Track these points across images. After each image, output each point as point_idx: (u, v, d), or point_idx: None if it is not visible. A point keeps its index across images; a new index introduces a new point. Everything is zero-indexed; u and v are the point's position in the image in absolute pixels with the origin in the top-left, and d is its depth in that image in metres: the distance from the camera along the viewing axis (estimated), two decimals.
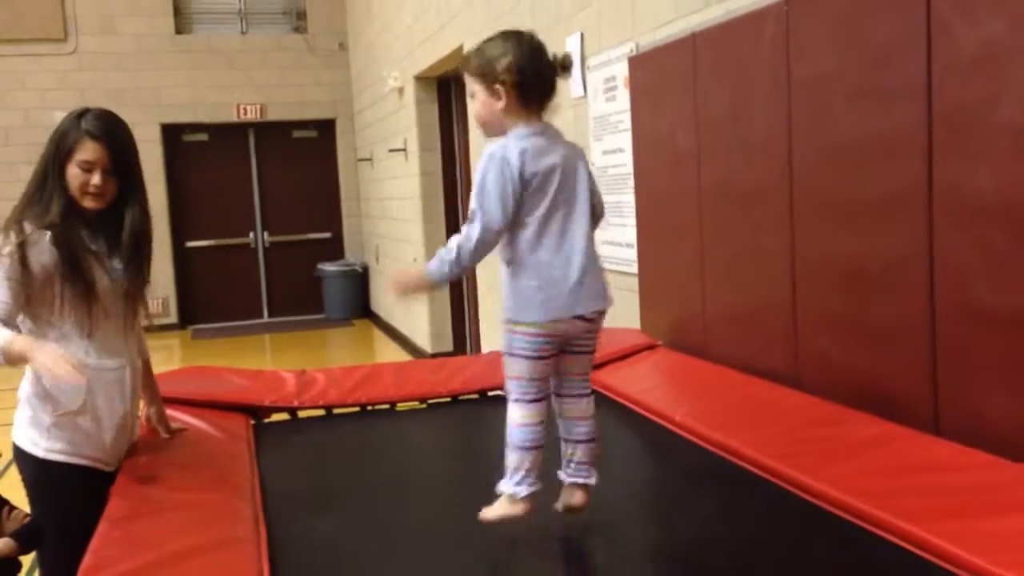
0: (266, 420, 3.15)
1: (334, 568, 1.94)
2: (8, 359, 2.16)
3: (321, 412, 3.22)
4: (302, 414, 3.20)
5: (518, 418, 1.97)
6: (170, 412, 2.74)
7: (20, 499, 2.35)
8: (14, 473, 2.29)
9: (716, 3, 3.30)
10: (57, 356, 2.08)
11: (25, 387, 2.36)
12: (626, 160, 3.98)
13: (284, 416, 3.19)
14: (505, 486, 1.98)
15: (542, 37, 2.03)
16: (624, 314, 4.12)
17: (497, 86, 1.94)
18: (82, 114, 2.36)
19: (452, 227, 7.97)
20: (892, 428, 2.32)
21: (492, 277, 6.28)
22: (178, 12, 10.87)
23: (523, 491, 1.96)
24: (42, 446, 2.32)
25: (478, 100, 1.99)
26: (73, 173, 2.32)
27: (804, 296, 2.77)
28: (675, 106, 3.45)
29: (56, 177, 2.33)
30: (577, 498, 2.05)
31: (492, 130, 2.00)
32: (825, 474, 2.10)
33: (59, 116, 2.46)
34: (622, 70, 3.96)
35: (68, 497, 2.29)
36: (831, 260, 2.64)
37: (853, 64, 2.48)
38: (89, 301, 2.31)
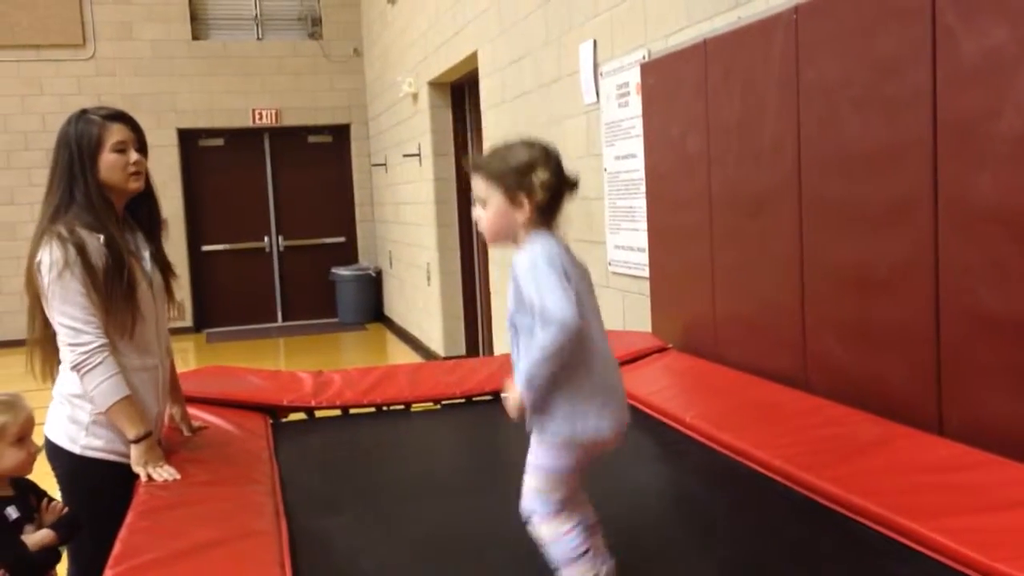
0: (284, 419, 3.21)
1: (352, 560, 1.99)
2: (111, 419, 2.31)
3: (337, 412, 3.27)
4: (319, 414, 3.25)
5: (560, 529, 1.76)
6: (191, 410, 2.80)
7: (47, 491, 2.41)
8: (37, 465, 2.34)
9: (727, 11, 3.35)
10: (167, 474, 2.29)
11: (63, 385, 2.40)
12: (638, 165, 4.03)
13: (301, 416, 3.25)
14: None
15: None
16: (635, 317, 4.17)
17: (521, 195, 1.76)
18: (84, 112, 2.42)
19: (465, 232, 8.02)
20: (897, 429, 2.36)
21: (502, 281, 6.33)
22: (195, 18, 10.97)
23: None
24: (80, 443, 2.37)
25: (492, 207, 1.79)
26: (110, 160, 2.36)
27: (812, 300, 2.81)
28: (686, 112, 3.50)
29: (87, 175, 2.35)
30: None
31: (501, 239, 1.83)
32: (832, 474, 2.15)
33: None
34: (634, 76, 4.01)
35: (103, 492, 2.33)
36: (838, 265, 2.68)
37: (860, 72, 2.53)
38: (132, 302, 2.36)
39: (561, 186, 1.79)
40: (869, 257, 2.54)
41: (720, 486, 2.36)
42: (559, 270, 1.70)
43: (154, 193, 2.56)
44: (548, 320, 1.65)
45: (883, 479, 2.08)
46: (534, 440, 1.78)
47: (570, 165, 1.83)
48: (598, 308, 1.85)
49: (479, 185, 1.81)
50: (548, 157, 1.79)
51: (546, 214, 1.79)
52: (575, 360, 1.71)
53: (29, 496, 2.28)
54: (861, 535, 1.93)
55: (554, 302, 1.65)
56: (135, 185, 2.43)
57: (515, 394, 1.74)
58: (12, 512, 2.21)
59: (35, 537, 2.18)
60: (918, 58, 2.31)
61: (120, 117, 2.42)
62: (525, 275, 1.71)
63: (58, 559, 2.28)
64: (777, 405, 2.75)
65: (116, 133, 2.38)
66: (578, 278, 1.77)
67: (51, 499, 2.30)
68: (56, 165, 2.38)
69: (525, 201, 1.76)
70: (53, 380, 2.45)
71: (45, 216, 2.36)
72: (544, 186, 1.76)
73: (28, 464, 2.26)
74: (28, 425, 2.25)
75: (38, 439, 2.43)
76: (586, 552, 1.75)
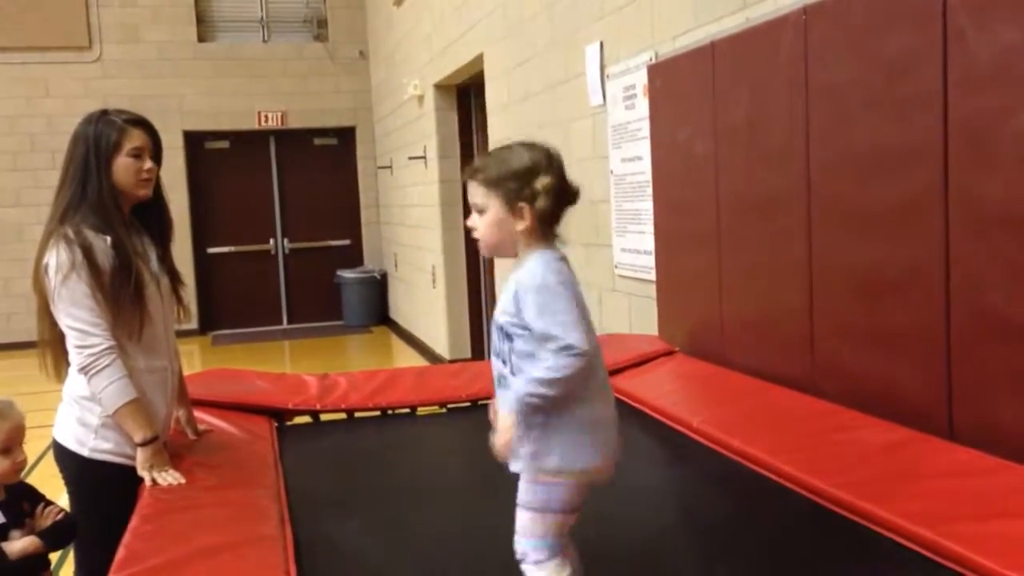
0: (289, 423, 3.20)
1: (358, 565, 1.98)
2: (119, 422, 2.29)
3: (343, 415, 3.26)
4: (324, 417, 3.24)
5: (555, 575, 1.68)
6: (196, 414, 2.79)
7: (50, 493, 2.40)
8: (44, 468, 2.33)
9: (735, 12, 3.33)
10: (172, 479, 2.29)
11: (72, 387, 2.40)
12: (645, 168, 4.02)
13: (307, 419, 3.24)
14: None
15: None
16: (642, 321, 4.15)
17: (522, 204, 1.66)
18: (105, 112, 2.43)
19: (470, 235, 7.99)
20: (907, 434, 2.35)
21: None
22: (201, 20, 10.99)
23: None
24: (88, 446, 2.36)
25: (490, 215, 1.69)
26: (124, 164, 2.38)
27: (821, 303, 2.80)
28: (694, 114, 3.48)
29: (101, 174, 2.35)
30: None
31: (498, 250, 1.74)
32: (842, 479, 2.13)
33: None
34: (641, 78, 4.00)
35: (111, 495, 2.32)
36: (848, 268, 2.66)
37: (870, 74, 2.51)
38: (140, 305, 2.35)
39: (564, 193, 1.68)
40: (879, 260, 2.52)
41: (728, 491, 2.34)
42: (571, 293, 1.63)
43: (164, 198, 2.57)
44: (562, 347, 1.57)
45: (893, 484, 2.06)
46: (525, 478, 1.70)
47: (576, 167, 1.79)
48: (591, 321, 1.73)
49: (476, 192, 1.71)
50: (551, 161, 1.69)
51: (548, 224, 1.69)
52: (580, 391, 1.65)
53: (21, 502, 2.25)
54: (871, 541, 1.91)
55: (570, 331, 1.58)
56: (143, 192, 2.44)
57: (505, 422, 1.64)
58: None
59: (17, 544, 2.15)
60: (929, 59, 2.29)
61: (141, 123, 2.44)
62: (531, 296, 1.62)
63: (45, 567, 2.25)
64: (786, 410, 2.73)
65: (135, 138, 2.40)
66: (581, 298, 1.68)
67: (48, 503, 2.28)
68: (71, 161, 2.39)
69: (526, 210, 1.66)
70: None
71: (55, 214, 2.37)
72: (547, 192, 1.65)
73: (12, 473, 2.23)
74: (14, 435, 2.22)
75: (45, 441, 2.42)
76: None
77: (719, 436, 2.63)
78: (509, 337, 1.67)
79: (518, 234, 1.68)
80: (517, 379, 1.65)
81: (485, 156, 1.76)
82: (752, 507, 2.21)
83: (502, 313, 1.69)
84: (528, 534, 1.69)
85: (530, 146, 1.71)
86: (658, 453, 2.81)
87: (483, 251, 1.78)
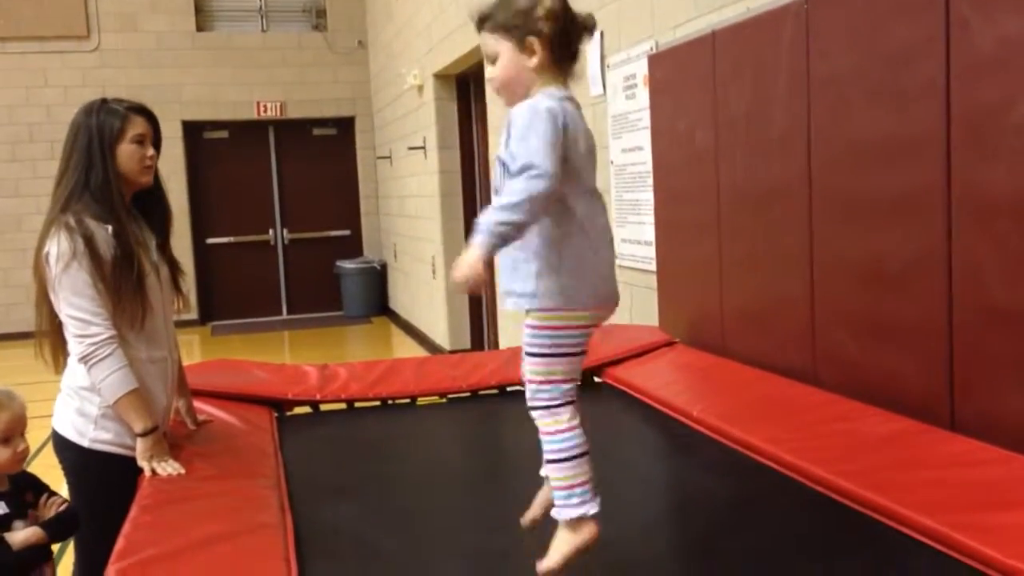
0: (289, 413, 3.20)
1: (358, 555, 1.98)
2: (119, 411, 2.29)
3: (343, 406, 3.26)
4: (324, 407, 3.24)
5: (564, 424, 1.71)
6: (196, 404, 2.79)
7: (50, 483, 2.40)
8: (44, 458, 2.32)
9: (736, 1, 3.32)
10: (172, 469, 2.29)
11: (72, 378, 2.39)
12: (645, 158, 4.01)
13: (307, 409, 3.23)
14: (568, 511, 1.71)
15: None
16: (642, 311, 4.15)
17: (531, 38, 1.70)
18: (105, 101, 2.43)
19: (470, 225, 8.00)
20: (909, 424, 2.34)
21: None
22: (199, 10, 10.96)
23: (594, 507, 1.72)
24: (88, 436, 2.36)
25: (504, 58, 1.73)
26: (128, 151, 2.38)
27: (822, 294, 2.79)
28: (694, 104, 3.47)
29: (106, 162, 2.35)
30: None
31: (516, 94, 1.74)
32: (842, 469, 2.13)
33: None
34: (641, 68, 3.99)
35: (111, 485, 2.32)
36: (849, 258, 2.66)
37: (872, 63, 2.50)
38: (141, 294, 2.35)
39: (572, 21, 1.72)
40: (881, 251, 2.52)
41: (728, 481, 2.34)
42: (557, 126, 1.63)
43: (163, 187, 2.57)
44: (524, 168, 1.58)
45: (894, 475, 2.06)
46: (529, 323, 1.72)
47: None
48: (595, 184, 1.77)
49: (487, 40, 1.75)
50: None
51: (562, 60, 1.72)
52: (571, 227, 1.67)
53: (25, 491, 2.25)
54: (873, 531, 1.91)
55: (535, 154, 1.59)
56: (145, 179, 2.45)
57: (470, 253, 1.60)
58: (0, 508, 2.18)
59: (20, 535, 2.15)
60: (931, 49, 2.28)
61: (142, 111, 2.45)
62: (517, 120, 1.64)
63: (47, 557, 2.24)
64: (786, 400, 2.73)
65: (138, 125, 2.41)
66: (585, 141, 1.71)
67: (52, 494, 2.28)
68: (72, 149, 2.39)
69: (536, 44, 1.70)
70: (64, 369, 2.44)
71: (57, 203, 2.36)
72: (550, 17, 1.69)
73: (13, 464, 2.23)
74: (14, 424, 2.21)
75: (45, 431, 2.41)
76: (584, 455, 1.71)
77: (720, 426, 2.63)
78: (507, 169, 1.67)
79: (530, 72, 1.72)
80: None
81: (492, 5, 1.77)
82: (753, 496, 2.21)
83: (500, 144, 1.72)
84: (538, 380, 1.72)
85: None
86: (658, 443, 2.81)
87: (502, 97, 1.79)
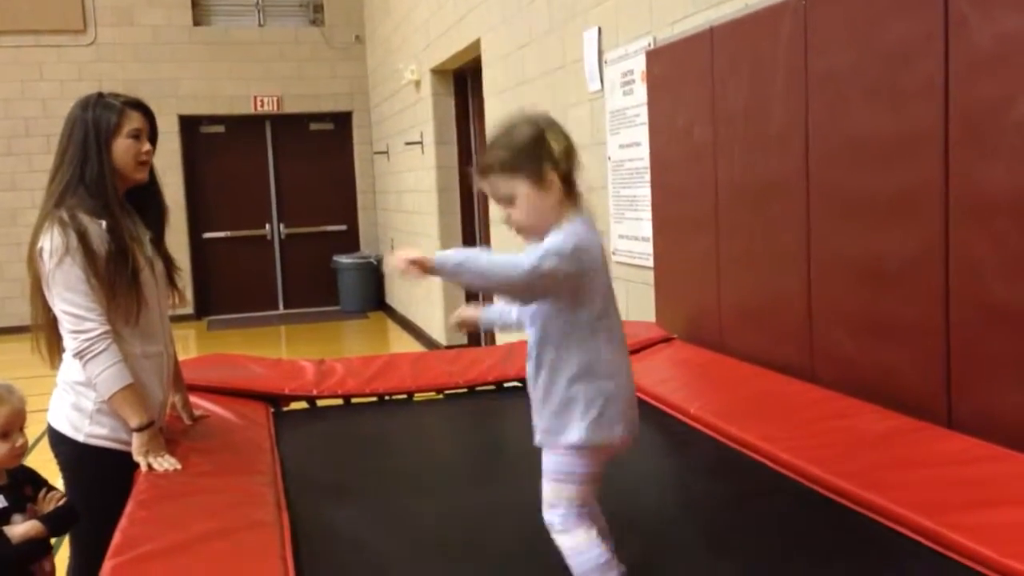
0: (285, 408, 3.19)
1: (354, 551, 1.98)
2: (115, 407, 2.29)
3: (340, 401, 3.25)
4: (321, 403, 3.24)
5: (583, 539, 1.67)
6: (192, 399, 2.78)
7: (47, 477, 2.39)
8: (41, 452, 2.32)
9: None
10: (168, 464, 2.28)
11: (67, 372, 2.39)
12: (643, 154, 4.00)
13: (303, 405, 3.23)
14: None
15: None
16: (639, 307, 4.15)
17: (546, 175, 1.63)
18: (101, 95, 2.42)
19: (467, 220, 7.99)
20: (906, 422, 2.34)
21: None
22: (196, 4, 10.93)
23: None
24: (84, 431, 2.36)
25: (522, 200, 1.64)
26: (124, 146, 2.37)
27: (819, 291, 2.79)
28: (692, 100, 3.47)
29: (101, 156, 2.34)
30: None
31: (539, 233, 1.66)
32: (839, 467, 2.13)
33: None
34: (639, 64, 3.98)
35: (106, 481, 2.32)
36: (847, 255, 2.65)
37: (870, 60, 2.50)
38: (136, 289, 2.34)
39: (574, 150, 1.68)
40: (878, 248, 2.51)
41: (725, 479, 2.34)
42: (584, 249, 1.61)
43: (158, 183, 2.56)
44: (540, 249, 1.56)
45: (891, 473, 2.06)
46: (550, 447, 1.70)
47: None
48: (619, 311, 1.77)
49: (498, 184, 1.66)
50: (552, 123, 1.68)
51: (572, 188, 1.67)
52: (595, 362, 1.64)
53: (24, 485, 2.25)
54: (869, 529, 1.90)
55: (544, 253, 1.56)
56: (140, 175, 2.44)
57: (428, 256, 1.57)
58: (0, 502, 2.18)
59: (19, 529, 2.14)
60: (930, 46, 2.28)
61: (138, 106, 2.44)
62: (554, 238, 1.60)
63: (46, 551, 2.24)
64: (783, 397, 2.73)
65: (134, 120, 2.40)
66: (603, 260, 1.69)
67: (50, 488, 2.27)
68: (68, 143, 2.38)
69: (553, 177, 1.63)
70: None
71: (51, 197, 2.35)
72: (564, 153, 1.64)
73: (12, 458, 2.22)
74: (13, 419, 2.21)
75: (41, 425, 2.41)
76: (609, 559, 1.68)
77: (717, 423, 2.63)
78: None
79: (554, 207, 1.65)
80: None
81: (490, 147, 1.70)
82: (749, 494, 2.21)
83: None
84: (553, 503, 1.69)
85: (526, 118, 1.70)
86: (656, 440, 2.80)
87: (525, 237, 1.71)
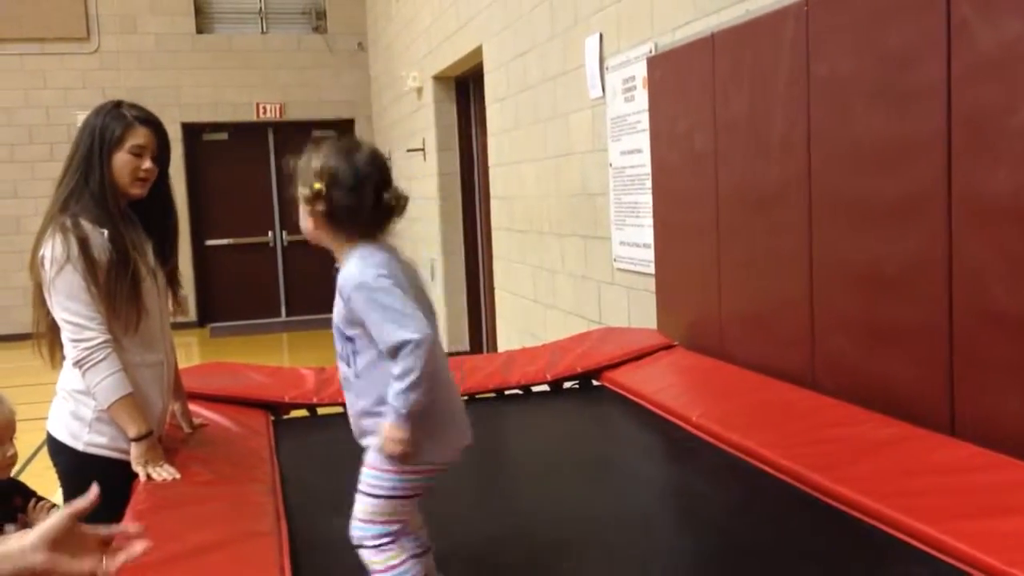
0: (285, 416, 3.18)
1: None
2: (113, 416, 2.27)
3: (340, 409, 3.23)
4: (321, 411, 3.22)
5: (392, 561, 1.69)
6: (192, 407, 2.77)
7: (44, 489, 2.38)
8: (41, 460, 2.31)
9: (735, 3, 3.30)
10: (167, 474, 2.27)
11: (66, 380, 2.38)
12: (644, 160, 3.99)
13: (303, 413, 3.22)
14: None
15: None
16: (640, 314, 4.13)
17: (307, 206, 1.78)
18: (118, 104, 2.41)
19: (469, 228, 7.98)
20: (908, 429, 2.33)
21: (506, 277, 6.30)
22: (199, 11, 10.96)
23: None
24: (83, 440, 2.35)
25: (301, 211, 1.79)
26: (123, 160, 2.36)
27: (821, 298, 2.78)
28: (693, 107, 3.46)
29: (102, 167, 2.34)
30: None
31: (319, 242, 1.82)
32: (841, 474, 2.11)
33: (82, 116, 2.51)
34: (641, 70, 3.97)
35: (105, 490, 2.31)
36: (849, 262, 2.64)
37: (873, 66, 2.49)
38: (136, 299, 2.34)
39: (361, 207, 1.66)
40: (881, 254, 2.50)
41: (727, 486, 2.33)
42: (390, 282, 1.62)
43: (171, 199, 2.56)
44: (403, 344, 1.56)
45: (894, 480, 2.05)
46: (374, 464, 1.70)
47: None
48: (433, 308, 1.76)
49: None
50: (348, 167, 1.66)
51: (351, 225, 1.68)
52: (434, 385, 1.63)
53: (13, 496, 2.24)
54: (871, 537, 1.89)
55: (403, 324, 1.57)
56: (136, 191, 2.42)
57: (394, 432, 1.61)
58: None
59: (11, 539, 2.13)
60: (932, 51, 2.27)
61: (149, 122, 2.42)
62: (355, 295, 1.62)
63: None
64: (785, 404, 2.71)
65: (140, 136, 2.38)
66: (412, 283, 1.70)
67: (40, 499, 2.26)
68: (77, 149, 2.38)
69: (310, 212, 1.70)
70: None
71: (56, 203, 2.35)
72: (320, 198, 1.66)
73: (2, 469, 2.21)
74: (3, 430, 2.20)
75: (42, 434, 2.40)
76: None
77: (718, 431, 2.61)
78: (349, 339, 1.68)
79: (316, 232, 1.71)
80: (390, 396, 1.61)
81: (308, 149, 1.75)
82: (751, 502, 2.19)
83: (336, 315, 1.70)
84: (369, 519, 1.69)
85: (342, 148, 1.71)
86: (657, 447, 2.80)
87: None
